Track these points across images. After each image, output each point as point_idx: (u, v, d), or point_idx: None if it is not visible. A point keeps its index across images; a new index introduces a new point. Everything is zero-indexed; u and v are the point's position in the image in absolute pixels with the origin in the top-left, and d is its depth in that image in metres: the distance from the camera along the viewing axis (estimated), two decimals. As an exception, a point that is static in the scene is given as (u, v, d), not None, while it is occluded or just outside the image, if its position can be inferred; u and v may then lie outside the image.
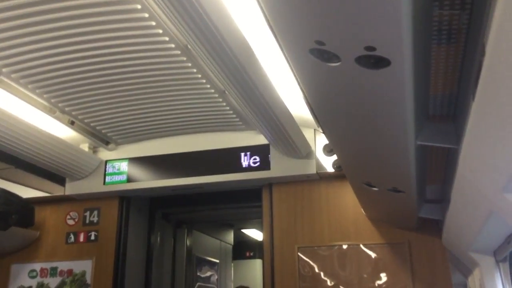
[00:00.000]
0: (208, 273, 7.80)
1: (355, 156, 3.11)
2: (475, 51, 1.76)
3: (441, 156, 3.45)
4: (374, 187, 3.57)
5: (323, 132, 3.58)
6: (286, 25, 1.64)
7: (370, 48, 1.58)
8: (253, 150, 5.38)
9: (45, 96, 4.45)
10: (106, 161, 5.77)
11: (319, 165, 5.22)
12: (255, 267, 9.77)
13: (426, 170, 3.69)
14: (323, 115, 2.49)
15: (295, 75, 2.29)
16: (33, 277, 5.84)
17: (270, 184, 5.52)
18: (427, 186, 4.19)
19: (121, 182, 5.66)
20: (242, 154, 5.39)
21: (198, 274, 7.37)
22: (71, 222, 5.95)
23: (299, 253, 5.21)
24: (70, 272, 5.74)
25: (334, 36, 1.59)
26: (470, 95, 1.84)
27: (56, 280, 5.76)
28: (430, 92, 2.45)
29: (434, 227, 4.88)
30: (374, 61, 1.67)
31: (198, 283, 7.06)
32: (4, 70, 3.97)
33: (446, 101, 2.52)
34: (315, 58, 1.75)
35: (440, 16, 1.84)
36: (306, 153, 5.17)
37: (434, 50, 2.06)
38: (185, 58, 3.95)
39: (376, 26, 1.48)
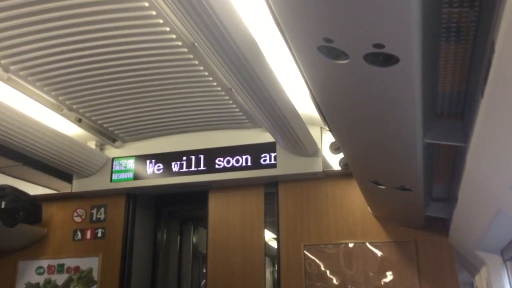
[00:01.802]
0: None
1: (362, 154, 3.11)
2: (484, 48, 1.76)
3: (448, 154, 3.44)
4: (381, 185, 3.56)
5: (330, 130, 3.58)
6: (295, 22, 1.64)
7: (379, 46, 1.58)
8: (259, 148, 5.38)
9: (52, 93, 4.47)
10: (113, 159, 5.79)
11: (325, 163, 5.22)
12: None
13: (434, 168, 3.68)
14: (330, 113, 2.49)
15: (302, 73, 2.29)
16: (40, 274, 5.88)
17: (276, 182, 5.52)
18: (434, 184, 4.18)
19: (128, 179, 5.68)
20: (248, 152, 5.40)
21: (204, 271, 7.38)
22: (78, 219, 5.98)
23: (305, 251, 5.22)
24: (77, 269, 5.77)
25: (342, 34, 1.59)
26: (479, 92, 1.83)
27: (63, 277, 5.79)
28: (438, 90, 2.44)
29: (441, 225, 4.87)
30: (382, 58, 1.67)
31: (204, 280, 7.06)
32: (12, 67, 3.99)
33: (454, 99, 2.51)
34: (323, 55, 1.75)
35: (449, 13, 1.83)
36: (312, 151, 5.16)
37: (442, 47, 2.06)
38: (192, 56, 3.96)
39: (385, 23, 1.47)
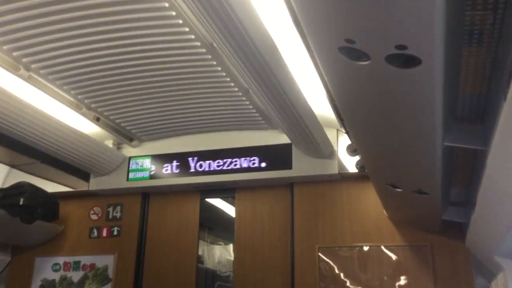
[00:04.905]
0: (228, 272, 7.82)
1: (379, 157, 3.09)
2: (508, 51, 1.74)
3: (467, 158, 3.41)
4: (398, 188, 3.53)
5: (347, 132, 3.56)
6: (316, 23, 1.64)
7: (401, 47, 1.57)
8: (275, 149, 5.38)
9: (72, 92, 4.52)
10: (130, 158, 5.84)
11: (341, 165, 5.20)
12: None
13: (452, 172, 3.64)
14: (349, 114, 2.48)
15: (322, 74, 2.28)
16: (56, 271, 5.94)
17: (291, 183, 5.52)
18: (451, 188, 4.13)
19: (144, 178, 5.72)
20: (264, 153, 5.40)
21: (217, 273, 7.39)
22: (94, 217, 6.04)
23: (319, 253, 5.20)
24: (92, 266, 5.83)
25: (365, 35, 1.58)
26: (501, 95, 1.81)
27: (79, 274, 5.85)
28: (459, 93, 2.42)
29: (458, 230, 4.81)
30: (404, 60, 1.66)
31: (218, 282, 7.08)
32: (33, 66, 4.04)
33: (475, 102, 2.49)
34: (344, 56, 1.74)
35: (472, 16, 1.82)
36: (328, 153, 5.15)
37: (464, 50, 2.04)
38: (210, 56, 3.98)
39: (408, 24, 1.46)
